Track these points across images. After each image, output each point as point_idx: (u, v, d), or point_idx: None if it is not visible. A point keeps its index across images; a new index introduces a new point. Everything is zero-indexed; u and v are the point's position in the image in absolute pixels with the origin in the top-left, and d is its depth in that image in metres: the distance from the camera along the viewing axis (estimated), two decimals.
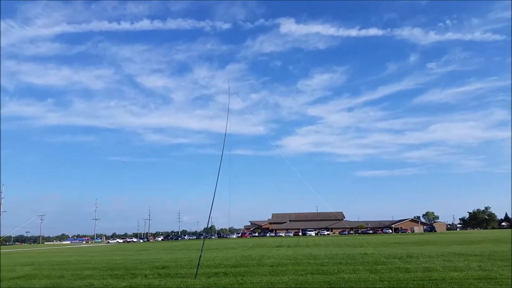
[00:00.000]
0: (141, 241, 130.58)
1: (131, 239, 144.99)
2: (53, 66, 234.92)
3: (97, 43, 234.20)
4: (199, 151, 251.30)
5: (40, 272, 18.62)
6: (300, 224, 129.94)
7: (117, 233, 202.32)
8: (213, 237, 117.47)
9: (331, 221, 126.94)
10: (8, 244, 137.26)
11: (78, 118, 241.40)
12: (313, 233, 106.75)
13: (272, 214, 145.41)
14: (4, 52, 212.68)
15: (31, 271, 19.76)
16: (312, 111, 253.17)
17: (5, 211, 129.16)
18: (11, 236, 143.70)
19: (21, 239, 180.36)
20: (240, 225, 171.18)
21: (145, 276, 15.31)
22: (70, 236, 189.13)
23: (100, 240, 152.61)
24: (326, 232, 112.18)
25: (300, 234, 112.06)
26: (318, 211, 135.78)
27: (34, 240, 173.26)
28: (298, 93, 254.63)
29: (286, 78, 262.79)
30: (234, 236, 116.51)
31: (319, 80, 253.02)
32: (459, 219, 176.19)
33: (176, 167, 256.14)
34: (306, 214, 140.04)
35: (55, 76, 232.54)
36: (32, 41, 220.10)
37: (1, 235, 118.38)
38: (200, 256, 15.91)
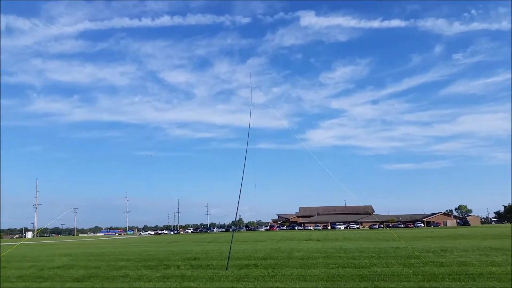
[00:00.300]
0: (172, 233, 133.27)
1: (162, 231, 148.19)
2: (78, 63, 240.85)
3: (119, 40, 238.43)
4: (222, 145, 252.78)
5: (77, 263, 19.28)
6: (328, 217, 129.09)
7: (148, 226, 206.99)
8: (241, 230, 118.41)
9: (360, 215, 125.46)
10: (45, 236, 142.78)
11: (104, 114, 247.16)
12: (342, 227, 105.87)
13: (299, 207, 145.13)
14: (30, 50, 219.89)
15: (68, 261, 20.48)
16: (335, 104, 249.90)
17: (41, 204, 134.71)
18: (47, 228, 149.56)
19: (57, 231, 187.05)
20: (267, 218, 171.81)
21: (178, 267, 15.60)
22: (103, 228, 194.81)
23: (132, 232, 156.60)
24: (355, 226, 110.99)
25: (328, 227, 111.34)
26: (346, 205, 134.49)
27: (69, 232, 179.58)
28: (320, 86, 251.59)
29: (307, 71, 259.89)
30: (262, 229, 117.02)
31: (342, 72, 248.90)
32: (494, 212, 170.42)
33: (201, 161, 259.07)
34: (334, 208, 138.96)
35: (80, 73, 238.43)
36: (57, 39, 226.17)
37: (38, 227, 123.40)
38: (230, 248, 16.05)
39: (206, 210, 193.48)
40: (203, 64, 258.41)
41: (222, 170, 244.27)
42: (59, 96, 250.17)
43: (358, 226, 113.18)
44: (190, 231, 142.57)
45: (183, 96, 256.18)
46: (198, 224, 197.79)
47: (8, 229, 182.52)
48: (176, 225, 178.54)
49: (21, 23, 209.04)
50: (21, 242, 58.03)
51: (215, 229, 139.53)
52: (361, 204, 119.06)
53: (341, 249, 21.22)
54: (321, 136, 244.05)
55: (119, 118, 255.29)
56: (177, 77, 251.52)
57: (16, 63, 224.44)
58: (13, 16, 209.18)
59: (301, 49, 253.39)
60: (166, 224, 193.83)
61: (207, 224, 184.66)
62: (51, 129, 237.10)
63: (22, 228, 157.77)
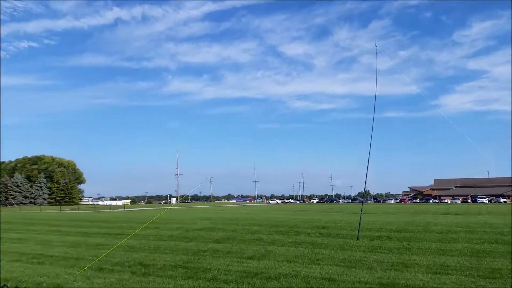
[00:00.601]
0: (297, 202, 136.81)
1: (289, 200, 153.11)
2: (205, 44, 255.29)
3: (240, 18, 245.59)
4: (344, 115, 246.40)
5: (216, 226, 21.07)
6: (468, 190, 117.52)
7: (275, 194, 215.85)
8: (369, 201, 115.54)
9: (507, 188, 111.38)
10: (186, 202, 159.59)
11: (230, 90, 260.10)
12: (485, 200, 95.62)
13: (434, 179, 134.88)
14: (164, 35, 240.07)
15: (208, 224, 22.52)
16: (473, 64, 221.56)
17: (182, 174, 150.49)
18: (188, 195, 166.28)
19: (196, 198, 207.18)
20: (397, 190, 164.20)
21: (308, 234, 15.91)
22: (235, 196, 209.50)
23: (261, 200, 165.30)
24: (501, 200, 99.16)
25: (469, 201, 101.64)
26: (490, 177, 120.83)
27: (206, 199, 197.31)
28: (454, 46, 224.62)
29: (439, 30, 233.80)
30: (392, 202, 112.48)
31: (479, 28, 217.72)
32: None
33: (322, 132, 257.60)
34: (475, 180, 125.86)
35: (208, 53, 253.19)
36: (185, 23, 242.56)
37: (181, 194, 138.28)
38: (360, 218, 15.72)
39: (330, 180, 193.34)
40: (321, 33, 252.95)
41: (345, 141, 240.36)
42: (191, 76, 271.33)
43: (504, 199, 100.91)
44: (315, 201, 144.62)
45: (302, 68, 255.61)
46: (323, 194, 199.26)
47: (156, 196, 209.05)
48: (301, 195, 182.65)
49: (155, 11, 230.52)
50: (170, 207, 65.73)
51: (340, 200, 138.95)
52: (509, 176, 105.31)
53: (486, 224, 19.18)
54: (458, 101, 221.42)
55: (243, 94, 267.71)
56: (296, 49, 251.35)
57: (153, 48, 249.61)
58: (148, 5, 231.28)
59: (430, 7, 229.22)
60: (291, 193, 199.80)
61: (332, 195, 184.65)
62: (186, 107, 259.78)
63: (167, 195, 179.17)
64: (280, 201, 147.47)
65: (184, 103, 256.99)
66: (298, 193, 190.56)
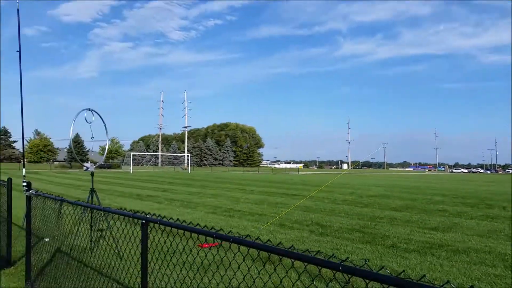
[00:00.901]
0: (488, 172, 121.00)
1: (477, 170, 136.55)
2: (379, 1, 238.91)
3: None
4: None
5: (392, 194, 20.26)
6: None
7: (459, 163, 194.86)
8: None
9: None
10: (358, 168, 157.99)
11: (408, 48, 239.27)
12: None
13: None
14: None
15: (383, 191, 21.84)
16: None
17: (353, 140, 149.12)
18: (359, 162, 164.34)
19: (367, 164, 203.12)
20: None
21: (503, 208, 13.88)
22: (412, 164, 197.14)
23: (443, 168, 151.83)
24: None
25: None
26: None
27: (379, 165, 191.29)
28: None
29: None
30: None
31: None
32: None
33: None
34: None
35: (382, 11, 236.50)
36: None
37: (352, 160, 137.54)
38: None
39: None
40: None
41: None
42: (364, 37, 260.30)
43: None
44: (511, 171, 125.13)
45: (497, 15, 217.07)
46: None
47: (328, 161, 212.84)
48: (493, 164, 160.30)
49: None
50: (344, 173, 66.27)
51: None
52: None
53: None
54: None
55: (423, 51, 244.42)
56: None
57: (325, 12, 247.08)
58: None
59: None
60: (480, 162, 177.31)
61: None
62: (358, 69, 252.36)
63: (338, 160, 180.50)
64: (466, 170, 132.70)
65: (355, 66, 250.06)
66: (489, 161, 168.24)
